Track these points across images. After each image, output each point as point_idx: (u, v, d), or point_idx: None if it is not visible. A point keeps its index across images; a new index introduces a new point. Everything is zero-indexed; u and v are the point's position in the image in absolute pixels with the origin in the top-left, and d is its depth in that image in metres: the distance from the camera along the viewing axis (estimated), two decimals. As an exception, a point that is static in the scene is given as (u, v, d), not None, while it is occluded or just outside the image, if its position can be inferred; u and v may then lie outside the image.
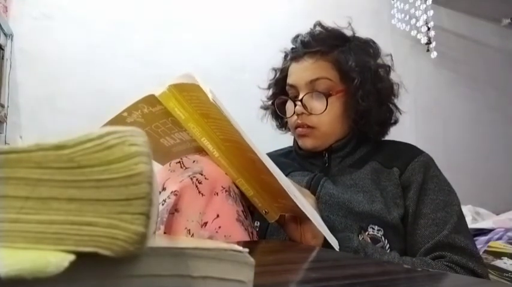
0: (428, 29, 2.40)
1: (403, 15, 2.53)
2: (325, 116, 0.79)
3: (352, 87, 0.79)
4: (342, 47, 0.81)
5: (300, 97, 0.79)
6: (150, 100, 0.55)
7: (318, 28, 0.86)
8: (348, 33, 0.86)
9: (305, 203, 0.58)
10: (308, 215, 0.57)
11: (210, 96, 0.50)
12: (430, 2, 2.38)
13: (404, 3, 2.53)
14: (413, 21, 2.51)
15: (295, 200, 0.55)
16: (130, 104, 0.56)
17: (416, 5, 2.44)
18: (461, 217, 0.72)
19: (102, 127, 0.18)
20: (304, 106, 0.79)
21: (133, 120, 0.59)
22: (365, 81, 0.78)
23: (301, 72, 0.81)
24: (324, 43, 0.81)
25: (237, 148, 0.56)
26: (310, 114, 0.79)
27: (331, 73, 0.80)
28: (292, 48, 0.87)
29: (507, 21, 2.87)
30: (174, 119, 0.57)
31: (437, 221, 0.70)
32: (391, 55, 0.86)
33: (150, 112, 0.57)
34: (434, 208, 0.72)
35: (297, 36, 0.87)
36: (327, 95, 0.78)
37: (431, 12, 2.38)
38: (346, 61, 0.79)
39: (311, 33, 0.84)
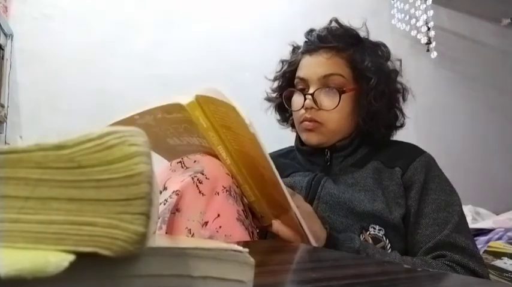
0: (428, 29, 2.40)
1: (403, 15, 2.53)
2: (335, 113, 0.78)
3: (365, 87, 0.78)
4: (356, 46, 0.81)
5: (312, 91, 0.79)
6: (168, 108, 0.57)
7: (335, 24, 0.85)
8: (361, 34, 0.85)
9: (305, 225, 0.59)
10: (310, 238, 0.59)
11: (247, 122, 0.51)
12: (430, 2, 2.37)
13: (404, 3, 2.52)
14: (413, 21, 2.50)
15: (302, 224, 0.57)
16: (147, 108, 0.58)
17: (416, 5, 2.44)
18: (462, 216, 0.72)
19: (105, 127, 0.18)
20: (314, 101, 0.78)
21: (144, 122, 0.59)
22: (380, 82, 0.78)
23: (314, 67, 0.80)
24: (341, 40, 0.81)
25: (249, 160, 0.58)
26: (320, 110, 0.78)
27: (344, 70, 0.79)
28: (306, 42, 0.86)
29: (507, 21, 2.87)
30: (187, 126, 0.58)
31: (438, 221, 0.70)
32: (400, 60, 0.86)
33: (163, 118, 0.59)
34: (436, 208, 0.72)
35: (312, 30, 0.86)
36: (341, 92, 0.78)
37: (431, 12, 2.38)
38: (362, 60, 0.79)
39: (328, 29, 0.83)
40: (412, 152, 0.80)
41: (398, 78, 0.84)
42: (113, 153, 0.17)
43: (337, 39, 0.80)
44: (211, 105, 0.55)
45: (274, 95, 0.92)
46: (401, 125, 0.86)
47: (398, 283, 0.31)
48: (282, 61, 0.90)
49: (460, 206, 0.74)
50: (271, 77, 0.92)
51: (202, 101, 0.55)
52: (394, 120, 0.84)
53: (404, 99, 0.85)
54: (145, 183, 0.17)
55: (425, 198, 0.73)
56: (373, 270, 0.38)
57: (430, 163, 0.77)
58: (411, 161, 0.77)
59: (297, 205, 0.59)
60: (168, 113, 0.57)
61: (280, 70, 0.90)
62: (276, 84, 0.91)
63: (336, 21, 0.85)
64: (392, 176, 0.75)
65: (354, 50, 0.80)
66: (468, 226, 0.74)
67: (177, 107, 0.56)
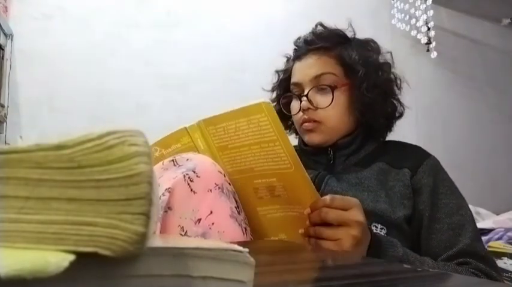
0: (428, 29, 2.40)
1: (403, 15, 2.53)
2: (331, 110, 0.79)
3: (356, 80, 0.80)
4: (344, 44, 0.83)
5: (305, 93, 0.80)
6: (177, 135, 0.65)
7: (320, 28, 0.87)
8: (349, 34, 0.87)
9: None
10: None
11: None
12: (430, 2, 2.37)
13: (404, 3, 2.52)
14: (413, 21, 2.50)
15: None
16: (159, 140, 0.67)
17: (416, 5, 2.44)
18: (474, 220, 0.73)
19: (105, 127, 0.18)
20: (309, 101, 0.80)
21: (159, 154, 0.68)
22: (369, 73, 0.80)
23: (305, 69, 0.82)
24: (327, 40, 0.83)
25: (242, 178, 0.62)
26: (317, 109, 0.80)
27: (335, 68, 0.81)
28: (295, 49, 0.88)
29: (507, 21, 2.87)
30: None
31: (453, 225, 0.71)
32: (391, 53, 0.87)
33: (161, 155, 0.65)
34: (449, 212, 0.72)
35: (299, 37, 0.88)
36: (333, 88, 0.79)
37: (431, 12, 2.38)
38: (350, 56, 0.81)
39: (313, 32, 0.86)
40: (419, 154, 0.80)
41: (392, 70, 0.85)
42: (112, 153, 0.17)
43: (323, 40, 0.83)
44: (210, 127, 0.62)
45: (273, 104, 0.93)
46: (401, 115, 0.86)
47: (398, 283, 0.31)
48: (277, 71, 0.93)
49: (469, 208, 0.75)
50: (271, 78, 0.94)
51: (203, 125, 0.63)
52: (392, 110, 0.85)
53: (398, 89, 0.85)
54: (145, 183, 0.17)
55: (437, 202, 0.73)
56: (373, 270, 0.38)
57: (437, 167, 0.78)
58: (419, 163, 0.77)
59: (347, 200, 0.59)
60: (177, 141, 0.66)
61: (277, 80, 0.92)
62: (274, 94, 0.93)
63: (321, 24, 0.88)
64: (400, 177, 0.75)
65: (341, 48, 0.82)
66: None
67: (184, 132, 0.65)
